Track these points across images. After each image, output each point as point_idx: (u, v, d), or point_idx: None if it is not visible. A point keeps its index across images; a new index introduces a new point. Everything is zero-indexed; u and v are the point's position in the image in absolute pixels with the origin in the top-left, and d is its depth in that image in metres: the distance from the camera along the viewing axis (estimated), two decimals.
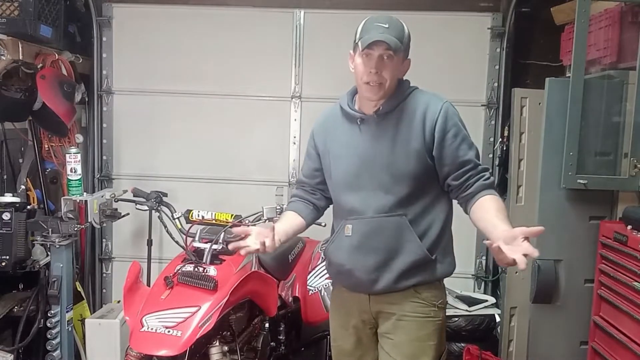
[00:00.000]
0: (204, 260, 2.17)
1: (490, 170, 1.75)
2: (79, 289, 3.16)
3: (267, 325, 2.48)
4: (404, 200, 1.73)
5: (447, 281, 1.87)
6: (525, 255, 1.37)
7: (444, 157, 1.70)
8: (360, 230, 1.77)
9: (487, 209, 1.64)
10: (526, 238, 1.41)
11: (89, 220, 2.83)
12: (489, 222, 1.59)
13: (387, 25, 1.65)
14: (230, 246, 1.64)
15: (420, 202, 1.74)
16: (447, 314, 2.91)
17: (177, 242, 2.54)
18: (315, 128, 1.93)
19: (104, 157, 3.47)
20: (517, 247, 1.40)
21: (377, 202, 1.74)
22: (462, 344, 2.91)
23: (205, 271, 2.11)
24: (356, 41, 1.69)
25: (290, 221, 1.88)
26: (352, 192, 1.78)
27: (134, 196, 2.87)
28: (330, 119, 1.88)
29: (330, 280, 2.78)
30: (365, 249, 1.77)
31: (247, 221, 2.35)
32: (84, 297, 3.22)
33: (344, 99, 1.83)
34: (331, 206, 1.95)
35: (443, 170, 1.72)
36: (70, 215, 2.68)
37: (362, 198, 1.76)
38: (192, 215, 2.46)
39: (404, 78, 1.79)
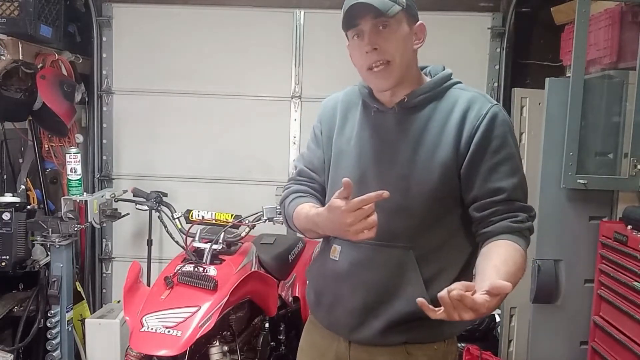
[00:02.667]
0: (204, 260, 2.17)
1: (532, 213, 1.31)
2: (79, 289, 3.16)
3: (267, 325, 2.48)
4: (414, 228, 1.31)
5: None
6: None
7: (473, 177, 1.28)
8: (350, 256, 1.38)
9: (491, 256, 1.20)
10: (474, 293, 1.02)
11: (89, 220, 2.83)
12: (480, 273, 1.17)
13: None
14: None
15: (434, 235, 1.32)
16: None
17: (177, 242, 2.54)
18: (323, 112, 1.51)
19: (104, 157, 3.47)
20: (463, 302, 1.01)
21: (380, 224, 1.24)
22: (462, 344, 2.91)
23: (205, 271, 2.11)
24: (342, 26, 1.34)
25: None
26: None
27: (134, 196, 2.87)
28: (344, 102, 1.47)
29: None
30: (353, 282, 1.37)
31: (247, 221, 2.35)
32: (84, 297, 3.22)
33: (363, 83, 1.43)
34: None
35: (469, 195, 1.29)
36: (70, 215, 2.68)
37: None
38: (192, 215, 2.46)
39: (443, 66, 1.45)
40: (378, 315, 1.35)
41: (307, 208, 1.38)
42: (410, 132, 1.32)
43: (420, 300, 1.04)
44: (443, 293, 1.02)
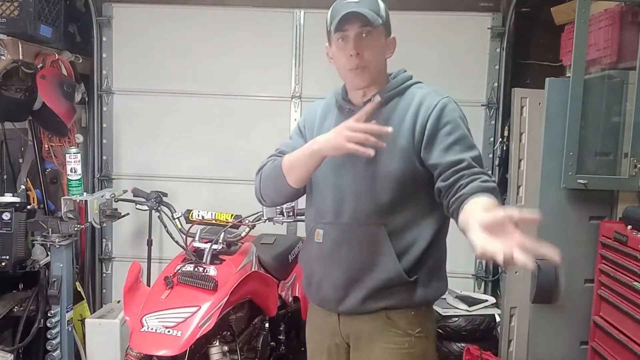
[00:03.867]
0: (204, 260, 2.17)
1: (493, 177, 1.44)
2: (79, 289, 3.16)
3: (267, 325, 2.48)
4: (384, 208, 1.49)
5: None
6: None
7: (432, 158, 1.44)
8: (331, 237, 1.55)
9: (475, 207, 1.27)
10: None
11: (89, 220, 2.83)
12: (470, 214, 1.24)
13: (357, 0, 1.46)
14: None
15: (404, 213, 1.50)
16: (447, 313, 2.96)
17: (177, 242, 2.54)
18: (307, 113, 1.76)
19: (104, 157, 3.47)
20: (507, 238, 1.05)
21: (354, 206, 1.51)
22: (462, 344, 2.91)
23: (205, 271, 2.11)
24: (328, 28, 1.51)
25: None
26: (328, 192, 1.56)
27: (134, 196, 2.87)
28: (324, 107, 1.69)
29: None
30: (336, 259, 1.55)
31: (247, 221, 2.35)
32: (84, 297, 3.22)
33: (339, 88, 1.65)
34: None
35: (435, 173, 1.45)
36: (70, 215, 2.68)
37: (337, 200, 1.54)
38: (192, 215, 2.46)
39: (405, 70, 1.62)
40: (359, 287, 1.53)
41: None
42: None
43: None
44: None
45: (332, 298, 1.58)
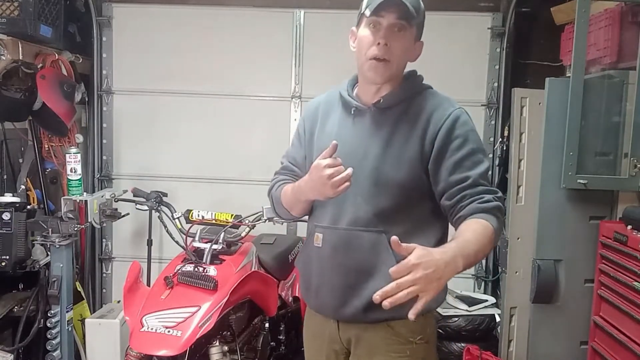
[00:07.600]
0: (204, 260, 2.18)
1: (498, 195, 1.42)
2: (79, 289, 3.16)
3: (267, 325, 2.48)
4: (384, 215, 1.45)
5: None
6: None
7: (440, 172, 1.41)
8: (331, 241, 1.51)
9: (462, 231, 1.31)
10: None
11: (89, 220, 2.83)
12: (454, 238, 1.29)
13: None
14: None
15: (406, 221, 1.46)
16: (447, 314, 2.96)
17: (177, 242, 2.54)
18: (307, 111, 1.67)
19: (104, 157, 3.47)
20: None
21: (354, 211, 1.46)
22: (462, 344, 2.91)
23: (205, 271, 2.11)
24: (362, 11, 1.43)
25: None
26: None
27: (134, 196, 2.87)
28: (325, 103, 1.61)
29: None
30: (334, 264, 1.50)
31: (247, 221, 2.35)
32: (84, 297, 3.22)
33: (344, 84, 1.59)
34: None
35: (438, 187, 1.43)
36: (70, 215, 2.68)
37: (338, 204, 1.47)
38: (192, 215, 2.46)
39: (417, 72, 1.58)
40: (358, 294, 1.48)
41: (292, 184, 1.57)
42: (382, 130, 1.47)
43: (376, 298, 1.16)
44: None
45: (330, 304, 1.55)
